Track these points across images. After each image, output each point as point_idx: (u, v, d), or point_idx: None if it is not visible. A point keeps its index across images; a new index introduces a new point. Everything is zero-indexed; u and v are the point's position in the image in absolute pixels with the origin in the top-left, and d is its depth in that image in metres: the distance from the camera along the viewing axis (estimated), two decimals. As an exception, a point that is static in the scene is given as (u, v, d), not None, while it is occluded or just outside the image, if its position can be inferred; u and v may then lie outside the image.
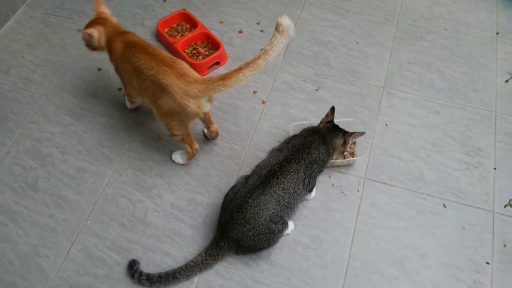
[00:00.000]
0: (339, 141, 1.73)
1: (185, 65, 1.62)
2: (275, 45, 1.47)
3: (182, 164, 1.93)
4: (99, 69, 2.26)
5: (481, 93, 2.16)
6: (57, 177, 1.91)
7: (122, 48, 1.71)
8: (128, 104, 2.08)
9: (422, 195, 1.86)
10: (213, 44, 2.32)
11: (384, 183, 1.89)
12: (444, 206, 1.83)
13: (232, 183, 1.85)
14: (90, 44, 1.79)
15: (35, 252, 1.73)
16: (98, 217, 1.81)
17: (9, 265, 1.71)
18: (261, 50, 1.51)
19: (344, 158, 1.90)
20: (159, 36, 2.37)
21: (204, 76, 1.61)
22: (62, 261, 1.71)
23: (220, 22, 2.47)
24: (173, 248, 1.73)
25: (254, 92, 2.17)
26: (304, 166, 1.60)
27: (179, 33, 2.39)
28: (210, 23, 2.44)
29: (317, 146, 1.65)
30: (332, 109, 1.77)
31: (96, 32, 1.73)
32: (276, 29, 1.47)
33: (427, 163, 1.94)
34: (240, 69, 1.51)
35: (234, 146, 2.00)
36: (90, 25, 1.77)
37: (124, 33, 1.77)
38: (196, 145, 1.85)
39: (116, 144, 2.00)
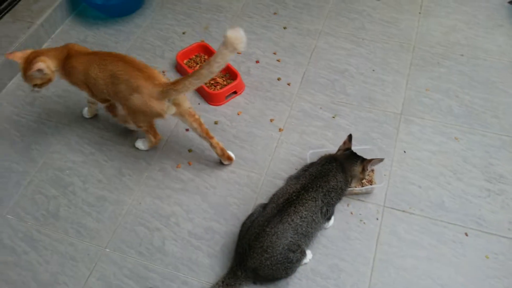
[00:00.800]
0: (357, 168, 1.72)
1: (155, 71, 1.78)
2: (217, 56, 1.52)
3: (146, 150, 2.08)
4: (120, 100, 2.31)
5: (501, 119, 2.13)
6: (78, 206, 1.94)
7: (90, 62, 1.81)
8: (86, 113, 2.21)
9: (443, 223, 1.82)
10: (230, 74, 2.36)
11: (403, 211, 1.86)
12: (466, 234, 1.79)
13: (250, 211, 1.85)
14: (43, 80, 1.86)
15: (55, 280, 1.75)
16: (116, 245, 1.82)
17: (30, 293, 1.73)
18: (206, 62, 1.57)
19: (363, 186, 1.89)
20: (178, 67, 2.44)
21: (167, 82, 1.74)
22: (81, 290, 1.72)
23: (238, 53, 2.51)
24: (190, 277, 1.72)
25: (271, 120, 2.19)
26: (322, 194, 1.60)
27: (197, 64, 2.44)
28: (227, 53, 2.49)
29: (335, 174, 1.64)
30: (350, 136, 1.77)
31: (42, 64, 1.79)
32: (223, 41, 1.49)
33: (447, 191, 1.91)
34: (186, 77, 1.65)
35: (251, 174, 2.01)
36: (30, 63, 1.80)
37: (74, 53, 1.86)
38: (160, 136, 2.00)
39: (136, 172, 2.04)
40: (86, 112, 2.23)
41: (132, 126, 2.03)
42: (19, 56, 1.85)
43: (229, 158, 2.00)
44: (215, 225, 1.86)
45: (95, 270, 1.76)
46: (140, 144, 2.08)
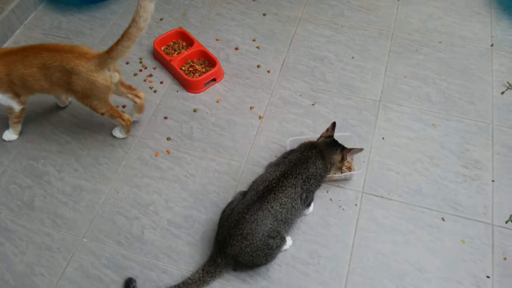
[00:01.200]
0: (336, 157, 1.72)
1: (83, 47, 1.76)
2: (140, 10, 1.58)
3: (123, 138, 2.05)
4: (96, 87, 2.26)
5: (478, 105, 2.17)
6: (53, 195, 1.90)
7: (11, 62, 1.75)
8: (14, 133, 2.08)
9: (421, 209, 1.85)
10: (209, 61, 2.33)
11: (382, 197, 1.88)
12: (443, 219, 1.82)
13: (230, 199, 1.84)
14: None
15: (31, 271, 1.71)
16: (94, 235, 1.80)
17: (5, 284, 1.69)
18: (132, 20, 1.62)
19: (342, 173, 1.89)
20: (155, 54, 2.39)
21: (100, 52, 1.75)
22: (58, 280, 1.69)
23: (216, 40, 2.49)
24: (170, 266, 1.71)
25: (251, 108, 2.18)
26: (301, 181, 1.60)
27: (175, 51, 2.40)
28: (206, 40, 2.46)
29: (315, 161, 1.64)
30: (333, 124, 1.77)
31: None
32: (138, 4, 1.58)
33: (424, 176, 1.94)
34: (118, 42, 1.67)
35: (231, 162, 2.00)
36: None
37: None
38: (127, 116, 1.97)
39: (113, 161, 2.00)
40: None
41: (119, 121, 1.99)
42: None
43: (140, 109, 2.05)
44: (195, 213, 1.85)
45: (73, 260, 1.73)
46: (118, 132, 2.05)
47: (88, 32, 2.54)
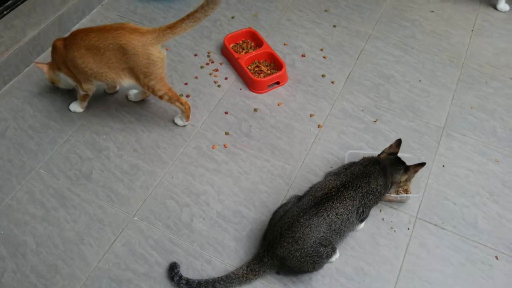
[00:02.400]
0: (399, 176, 1.69)
1: (131, 24, 1.80)
2: (210, 3, 1.67)
3: (183, 126, 2.09)
4: (163, 74, 2.32)
5: (546, 148, 2.08)
6: (111, 171, 1.95)
7: (63, 46, 1.86)
8: (79, 107, 2.14)
9: (475, 244, 1.78)
10: (275, 64, 2.35)
11: (436, 225, 1.82)
12: (497, 258, 1.75)
13: (280, 202, 1.84)
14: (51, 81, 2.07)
15: (80, 240, 1.76)
16: (145, 215, 1.83)
17: (54, 248, 1.74)
18: (200, 5, 1.69)
19: (398, 194, 1.86)
20: (224, 50, 2.43)
21: (152, 27, 1.80)
22: (104, 252, 1.73)
23: (284, 44, 2.50)
24: (214, 257, 1.72)
25: (311, 116, 2.17)
26: (360, 195, 1.58)
27: (243, 49, 2.44)
28: (274, 43, 2.48)
29: (377, 177, 1.62)
30: (398, 141, 1.74)
31: (45, 67, 2.00)
32: None
33: (482, 211, 1.87)
34: (183, 19, 1.72)
35: (286, 166, 1.99)
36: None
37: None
38: (185, 100, 2.00)
39: (171, 147, 2.04)
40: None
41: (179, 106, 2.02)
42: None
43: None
44: (244, 210, 1.85)
45: (121, 236, 1.77)
46: (179, 119, 2.08)
47: (161, 21, 2.61)
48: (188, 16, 1.72)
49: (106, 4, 2.69)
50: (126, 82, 1.88)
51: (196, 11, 1.70)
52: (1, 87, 2.27)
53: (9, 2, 2.49)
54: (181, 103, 1.98)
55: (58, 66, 1.95)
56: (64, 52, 1.85)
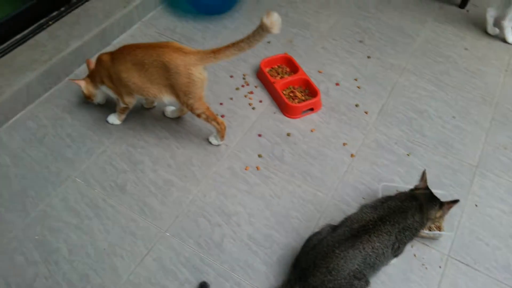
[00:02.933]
0: (435, 212, 1.69)
1: (177, 43, 1.85)
2: (256, 35, 1.72)
3: (217, 145, 2.12)
4: (200, 92, 2.36)
5: None
6: (145, 184, 1.98)
7: (110, 59, 1.92)
8: (117, 119, 2.19)
9: (507, 287, 1.76)
10: (310, 91, 2.38)
11: (468, 265, 1.81)
12: (529, 303, 1.72)
13: (311, 229, 1.85)
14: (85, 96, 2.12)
15: (112, 251, 1.77)
16: (177, 231, 1.84)
17: (86, 257, 1.76)
18: (246, 36, 1.74)
19: (430, 230, 1.85)
20: (259, 73, 2.47)
21: (196, 49, 1.85)
22: (136, 266, 1.74)
23: (319, 72, 2.54)
24: (244, 280, 1.72)
25: (344, 144, 2.19)
26: (397, 230, 1.57)
27: (278, 74, 2.47)
28: (308, 70, 2.52)
29: (414, 213, 1.62)
30: (423, 173, 1.75)
31: (82, 82, 2.06)
32: (260, 26, 1.68)
33: (514, 254, 1.85)
34: (227, 47, 1.77)
35: (317, 193, 2.00)
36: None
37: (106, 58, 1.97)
38: (221, 120, 2.03)
39: (205, 165, 2.06)
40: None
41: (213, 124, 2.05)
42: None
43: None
44: (275, 234, 1.86)
45: (153, 251, 1.78)
46: (213, 139, 2.11)
47: (200, 40, 2.67)
48: (233, 44, 1.77)
49: (146, 21, 2.77)
50: (166, 99, 1.92)
51: (241, 41, 1.75)
52: (42, 94, 2.32)
53: (54, 13, 2.58)
54: (218, 123, 2.02)
55: (101, 79, 2.00)
56: (111, 66, 1.91)
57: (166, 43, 1.87)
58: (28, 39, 2.44)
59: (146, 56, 1.83)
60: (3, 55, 2.34)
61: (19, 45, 2.40)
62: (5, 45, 2.37)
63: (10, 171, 2.01)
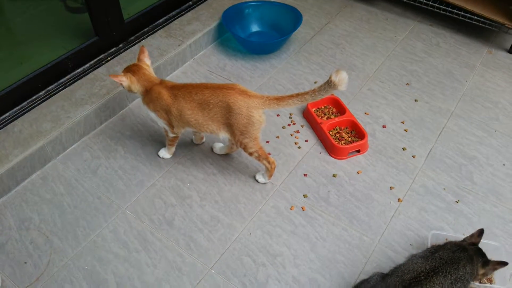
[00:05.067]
0: (477, 268, 1.64)
1: (241, 86, 1.92)
2: (322, 90, 1.79)
3: (264, 183, 2.16)
4: (247, 130, 2.41)
5: None
6: (192, 220, 2.02)
7: (171, 96, 1.97)
8: (168, 153, 2.26)
9: None
10: (357, 132, 2.39)
11: (523, 322, 1.72)
12: None
13: (357, 274, 1.82)
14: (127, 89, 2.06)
15: (158, 286, 1.80)
16: (222, 269, 1.85)
17: (133, 290, 1.79)
18: (312, 89, 1.82)
19: (480, 282, 1.78)
20: (306, 113, 2.51)
21: (261, 94, 1.93)
22: (181, 302, 1.75)
23: (365, 113, 2.55)
24: (288, 324, 1.70)
25: (391, 188, 2.17)
26: (449, 281, 1.53)
27: (325, 115, 2.50)
28: (355, 112, 2.54)
29: (465, 264, 1.58)
30: (481, 231, 1.70)
31: (125, 81, 1.98)
32: (327, 82, 1.76)
33: None
34: (291, 96, 1.85)
35: (364, 237, 1.98)
36: (124, 71, 2.02)
37: (162, 82, 2.03)
38: (272, 159, 2.07)
39: (251, 202, 2.09)
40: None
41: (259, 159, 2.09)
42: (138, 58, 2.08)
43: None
44: (320, 278, 1.84)
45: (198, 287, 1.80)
46: (261, 177, 2.14)
47: (247, 79, 2.74)
48: (297, 94, 1.85)
49: (198, 59, 2.88)
50: (222, 135, 2.00)
51: (306, 93, 1.83)
52: (97, 126, 2.44)
53: (112, 49, 2.73)
54: (268, 162, 2.05)
55: (155, 108, 2.04)
56: (173, 102, 1.97)
57: (232, 85, 1.94)
58: (88, 73, 2.58)
59: (213, 96, 1.91)
60: (64, 88, 2.48)
61: (79, 78, 2.54)
62: (65, 78, 2.52)
63: (64, 200, 2.10)
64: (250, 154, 2.03)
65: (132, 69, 2.02)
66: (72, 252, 1.92)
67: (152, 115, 2.08)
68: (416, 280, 1.51)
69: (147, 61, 2.09)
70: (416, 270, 1.54)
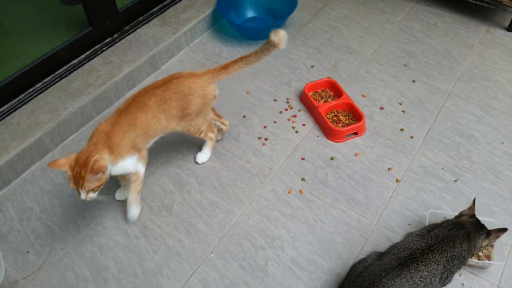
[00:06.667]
0: (481, 241, 1.64)
1: (185, 71, 1.91)
2: (264, 50, 1.87)
3: (207, 160, 2.18)
4: (244, 116, 2.42)
5: None
6: (191, 206, 2.03)
7: (130, 120, 1.75)
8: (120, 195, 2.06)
9: None
10: (354, 115, 2.38)
11: (521, 298, 1.73)
12: None
13: (356, 255, 1.83)
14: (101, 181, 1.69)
15: (158, 271, 1.82)
16: (221, 253, 1.87)
17: (134, 276, 1.81)
18: (255, 51, 1.89)
19: (479, 259, 1.79)
20: (303, 97, 2.50)
21: (207, 69, 1.94)
22: (181, 286, 1.78)
23: (363, 96, 2.54)
24: (288, 305, 1.71)
25: (389, 169, 2.17)
26: (445, 259, 1.54)
27: (322, 98, 2.49)
28: (352, 94, 2.53)
29: (461, 242, 1.58)
30: (473, 201, 1.71)
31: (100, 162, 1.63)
32: (268, 42, 1.83)
33: None
34: (236, 61, 1.90)
35: (362, 218, 1.99)
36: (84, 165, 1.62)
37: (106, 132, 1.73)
38: (214, 129, 2.12)
39: (249, 187, 2.09)
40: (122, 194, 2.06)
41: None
42: (63, 164, 1.63)
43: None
44: (319, 259, 1.85)
45: (198, 272, 1.81)
46: (202, 156, 2.16)
47: (245, 64, 2.72)
48: (241, 58, 1.91)
49: (193, 46, 2.87)
50: (176, 129, 1.93)
51: (250, 55, 1.89)
52: (95, 116, 2.45)
53: (108, 39, 2.73)
54: (212, 132, 2.08)
55: (124, 152, 1.73)
56: (131, 127, 1.74)
57: (178, 73, 1.89)
58: (84, 64, 2.58)
59: (167, 92, 1.80)
60: (60, 79, 2.48)
61: (75, 69, 2.55)
62: (62, 69, 2.52)
63: (64, 189, 2.12)
64: (201, 132, 2.03)
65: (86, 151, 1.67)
66: (73, 240, 1.94)
67: (128, 164, 1.78)
68: (411, 257, 1.52)
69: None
70: (412, 248, 1.55)
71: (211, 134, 2.08)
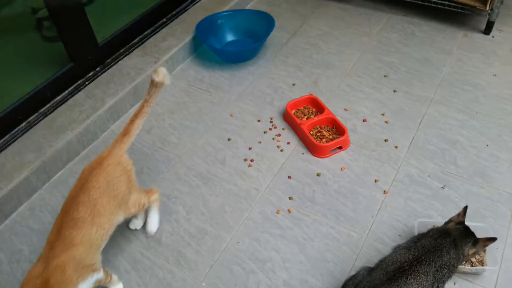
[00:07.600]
0: (467, 249, 1.64)
1: (92, 161, 1.74)
2: (153, 94, 1.81)
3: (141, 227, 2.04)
4: (229, 139, 2.43)
5: None
6: (180, 234, 2.02)
7: (88, 229, 1.61)
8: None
9: None
10: (337, 129, 2.39)
11: (517, 302, 1.71)
12: None
13: (348, 272, 1.81)
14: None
15: (150, 304, 1.80)
16: (212, 281, 1.85)
17: (126, 311, 1.79)
18: (143, 100, 1.81)
19: (472, 265, 1.78)
20: (286, 116, 2.51)
21: (111, 144, 1.80)
22: (174, 318, 1.75)
23: (345, 109, 2.56)
24: (282, 328, 1.69)
25: (376, 181, 2.17)
26: (434, 269, 1.53)
27: (305, 115, 2.51)
28: (335, 109, 2.54)
29: (449, 250, 1.57)
30: (465, 208, 1.70)
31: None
32: (153, 85, 1.79)
33: None
34: (132, 121, 1.80)
35: (352, 233, 1.98)
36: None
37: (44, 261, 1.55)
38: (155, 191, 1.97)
39: (237, 211, 2.09)
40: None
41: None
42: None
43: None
44: (311, 279, 1.83)
45: (190, 302, 1.79)
46: (152, 224, 2.00)
47: (226, 88, 2.76)
48: (135, 115, 1.80)
49: (176, 74, 2.90)
50: (120, 220, 1.77)
51: (142, 107, 1.80)
52: (81, 151, 2.46)
53: (90, 73, 2.75)
54: (149, 196, 1.92)
55: (81, 273, 1.57)
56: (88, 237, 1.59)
57: (86, 169, 1.72)
58: (67, 100, 2.60)
59: (91, 192, 1.63)
60: (44, 117, 2.49)
61: (59, 106, 2.56)
62: (45, 107, 2.54)
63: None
64: (144, 204, 1.86)
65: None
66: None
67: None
68: (400, 270, 1.51)
69: None
70: (400, 261, 1.54)
71: (154, 196, 1.93)
